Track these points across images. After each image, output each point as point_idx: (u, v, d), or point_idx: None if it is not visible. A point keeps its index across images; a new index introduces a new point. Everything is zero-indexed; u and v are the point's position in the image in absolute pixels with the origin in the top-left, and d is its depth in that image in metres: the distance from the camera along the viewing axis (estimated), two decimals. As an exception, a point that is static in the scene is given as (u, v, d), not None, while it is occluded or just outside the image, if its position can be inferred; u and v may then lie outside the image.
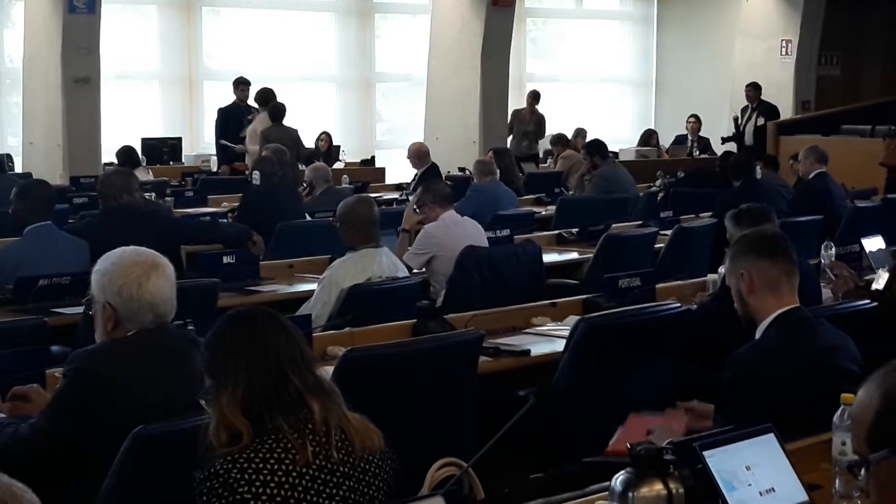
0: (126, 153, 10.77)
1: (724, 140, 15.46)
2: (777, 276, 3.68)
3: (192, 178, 12.28)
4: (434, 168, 11.03)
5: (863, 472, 1.96)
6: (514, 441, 3.03)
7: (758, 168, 9.57)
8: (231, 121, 12.65)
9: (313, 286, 5.88)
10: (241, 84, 12.79)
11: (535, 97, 15.05)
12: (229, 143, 12.62)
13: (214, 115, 13.36)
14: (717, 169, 10.91)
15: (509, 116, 15.30)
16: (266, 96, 12.33)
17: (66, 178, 11.95)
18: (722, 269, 5.81)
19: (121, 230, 5.73)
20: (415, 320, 5.20)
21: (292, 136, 12.26)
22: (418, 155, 11.14)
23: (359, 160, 14.87)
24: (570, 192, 11.25)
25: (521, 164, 13.34)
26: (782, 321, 3.64)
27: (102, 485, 3.10)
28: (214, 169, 13.19)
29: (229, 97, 13.17)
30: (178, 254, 6.68)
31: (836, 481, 2.98)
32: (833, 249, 6.51)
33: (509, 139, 15.14)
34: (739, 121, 15.37)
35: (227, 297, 5.92)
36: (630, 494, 2.66)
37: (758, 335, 3.69)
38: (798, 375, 3.55)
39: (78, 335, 4.90)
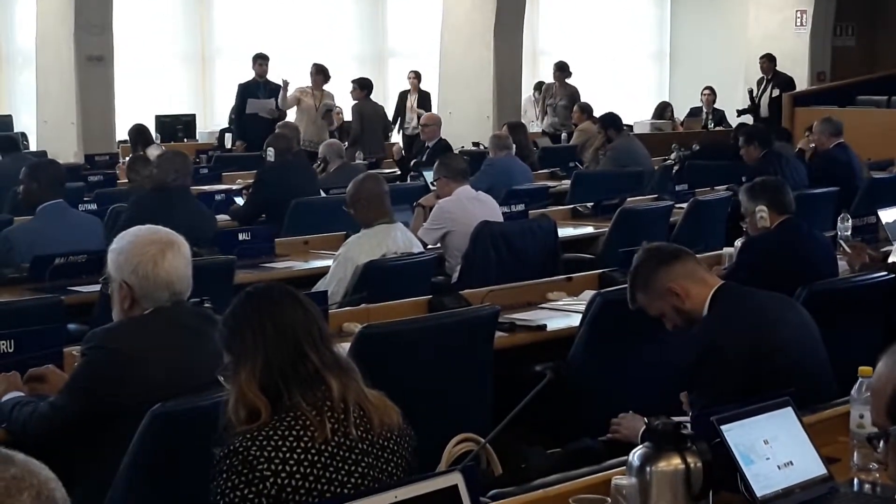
0: (138, 131, 10.80)
1: (740, 112, 15.41)
2: (693, 268, 3.75)
3: (207, 156, 12.31)
4: (443, 141, 11.03)
5: (882, 444, 1.96)
6: (531, 416, 3.03)
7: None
8: (249, 95, 12.69)
9: (328, 262, 5.88)
10: (260, 59, 12.81)
11: (561, 69, 14.50)
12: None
13: (227, 93, 13.39)
14: (732, 141, 10.87)
15: (540, 90, 15.27)
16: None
17: (81, 156, 11.98)
18: (731, 249, 5.83)
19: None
20: (430, 296, 5.20)
21: (381, 112, 12.57)
22: (439, 123, 11.17)
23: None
24: (585, 166, 11.22)
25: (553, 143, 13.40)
26: (718, 296, 3.70)
27: (121, 462, 3.11)
28: (228, 146, 13.20)
29: (242, 73, 13.17)
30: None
31: (854, 454, 2.99)
32: (849, 221, 6.49)
33: (534, 115, 15.10)
34: (755, 93, 15.30)
35: (243, 273, 5.92)
36: (648, 469, 2.66)
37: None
38: (746, 332, 3.62)
39: (95, 314, 4.93)
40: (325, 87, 12.69)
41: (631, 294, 3.81)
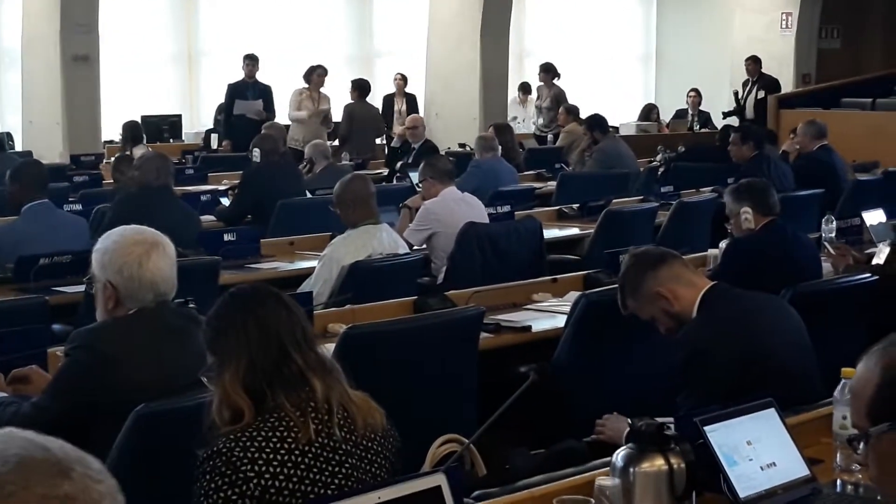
0: (131, 128, 10.82)
1: (726, 115, 15.43)
2: (679, 272, 3.76)
3: (193, 156, 12.29)
4: (429, 143, 11.04)
5: (862, 445, 1.96)
6: (515, 417, 3.04)
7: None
8: (238, 96, 12.69)
9: (314, 263, 5.88)
10: (249, 59, 12.81)
11: (546, 70, 14.52)
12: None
13: (214, 93, 13.36)
14: (717, 143, 10.88)
15: (525, 91, 15.26)
16: (308, 73, 12.62)
17: (66, 156, 11.94)
18: (716, 251, 5.85)
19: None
20: (416, 297, 5.21)
21: (374, 114, 12.54)
22: (424, 124, 11.21)
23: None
24: (571, 168, 11.23)
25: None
26: (708, 297, 3.71)
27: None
28: (214, 146, 13.19)
29: (228, 74, 13.16)
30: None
31: (837, 455, 2.99)
32: (834, 223, 6.50)
33: (520, 115, 15.13)
34: (740, 95, 15.33)
35: (229, 274, 5.92)
36: (631, 470, 2.67)
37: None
38: (736, 335, 3.63)
39: (79, 314, 4.91)
40: (322, 89, 12.68)
41: (621, 301, 3.82)
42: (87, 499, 1.31)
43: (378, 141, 13.48)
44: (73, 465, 1.34)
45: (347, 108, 12.70)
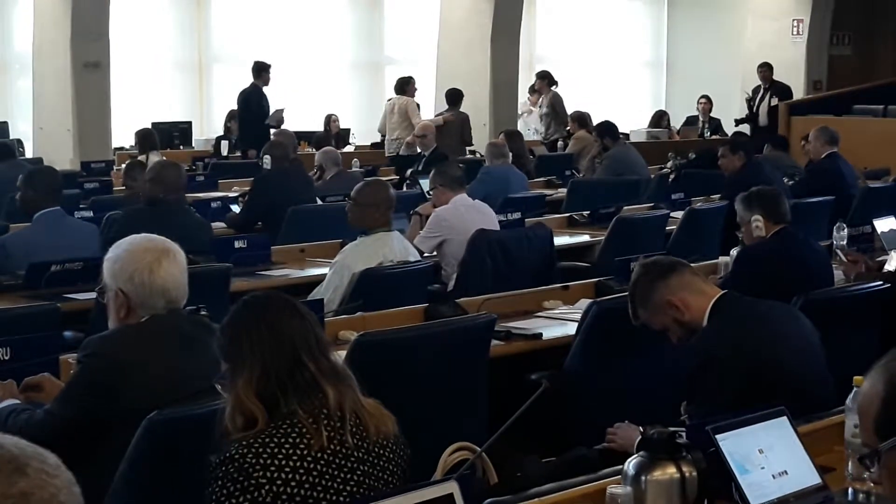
0: (144, 136, 10.82)
1: (738, 122, 15.41)
2: (690, 280, 3.76)
3: (203, 163, 12.31)
4: (439, 150, 11.03)
5: (874, 463, 1.95)
6: (526, 425, 3.04)
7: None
8: (252, 103, 12.69)
9: (325, 270, 5.89)
10: (261, 68, 12.80)
11: (542, 77, 14.53)
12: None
13: (224, 100, 13.37)
14: (720, 158, 10.85)
15: (532, 93, 15.30)
16: (402, 84, 12.95)
17: (77, 163, 11.97)
18: (727, 258, 5.85)
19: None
20: (426, 304, 5.21)
21: (460, 119, 12.63)
22: (433, 131, 11.20)
23: (368, 143, 14.87)
24: (581, 175, 11.23)
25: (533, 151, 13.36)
26: (719, 306, 3.70)
27: (117, 470, 3.11)
28: (224, 153, 13.20)
29: (239, 81, 13.18)
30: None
31: (849, 464, 2.99)
32: (845, 231, 6.49)
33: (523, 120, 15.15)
34: (751, 100, 15.29)
35: (240, 281, 5.92)
36: (643, 478, 2.67)
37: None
38: (747, 343, 3.63)
39: (91, 321, 4.92)
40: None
41: (633, 311, 3.82)
42: (44, 494, 1.29)
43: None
44: (29, 460, 1.32)
45: (442, 115, 12.86)
